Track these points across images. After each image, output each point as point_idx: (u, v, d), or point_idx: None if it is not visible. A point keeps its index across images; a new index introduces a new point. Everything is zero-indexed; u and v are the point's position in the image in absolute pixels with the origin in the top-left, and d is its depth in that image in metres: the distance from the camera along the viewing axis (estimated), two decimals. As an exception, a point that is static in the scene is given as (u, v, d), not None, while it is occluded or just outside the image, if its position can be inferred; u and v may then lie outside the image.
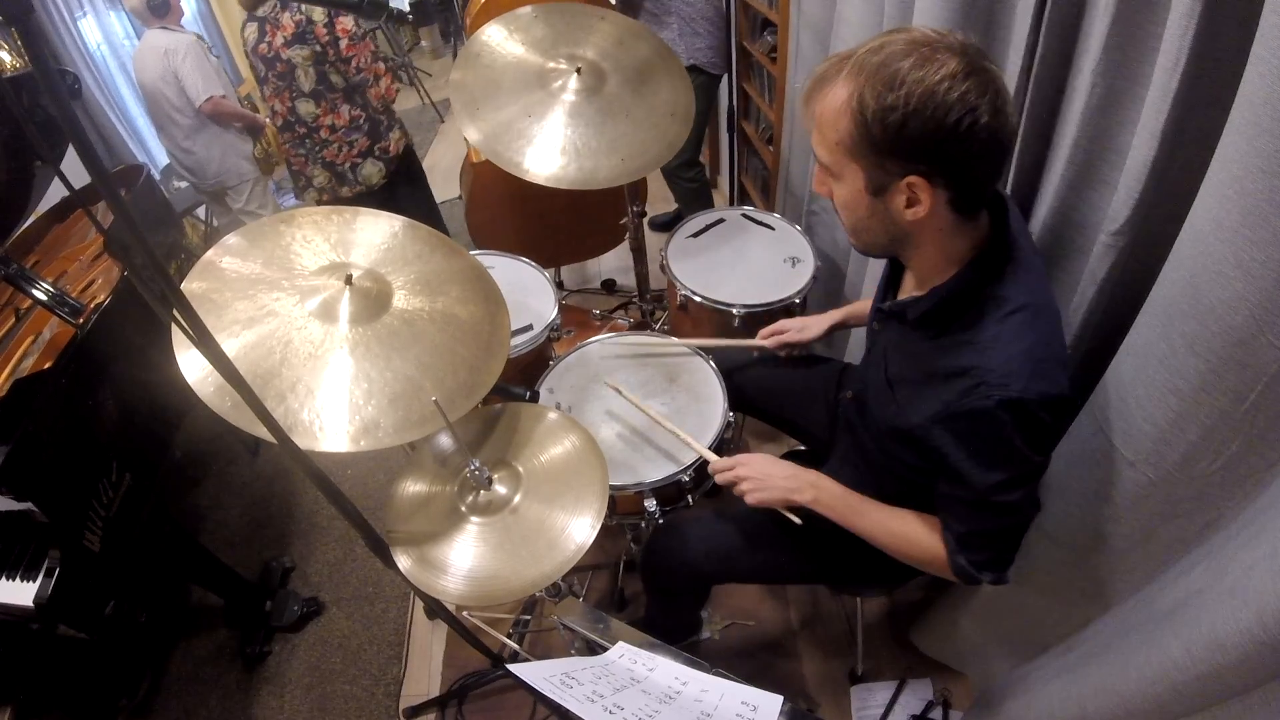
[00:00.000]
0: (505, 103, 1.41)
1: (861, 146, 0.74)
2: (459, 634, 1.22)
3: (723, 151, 2.80)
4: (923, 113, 0.69)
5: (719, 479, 1.09)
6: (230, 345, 0.89)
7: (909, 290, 0.95)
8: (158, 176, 3.15)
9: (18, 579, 1.23)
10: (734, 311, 1.55)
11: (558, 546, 0.96)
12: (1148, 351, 0.78)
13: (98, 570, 1.29)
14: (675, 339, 1.46)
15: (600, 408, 1.35)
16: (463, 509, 1.02)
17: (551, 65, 1.44)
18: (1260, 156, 0.58)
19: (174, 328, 0.62)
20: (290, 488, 2.19)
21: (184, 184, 3.09)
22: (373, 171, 2.25)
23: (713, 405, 1.32)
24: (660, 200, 3.05)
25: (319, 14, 1.97)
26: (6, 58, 1.45)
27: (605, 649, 0.81)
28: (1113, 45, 0.82)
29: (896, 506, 1.00)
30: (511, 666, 0.95)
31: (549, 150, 1.38)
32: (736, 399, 1.34)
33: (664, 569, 1.25)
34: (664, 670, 0.74)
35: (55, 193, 1.72)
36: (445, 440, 1.11)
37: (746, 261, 1.71)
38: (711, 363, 1.39)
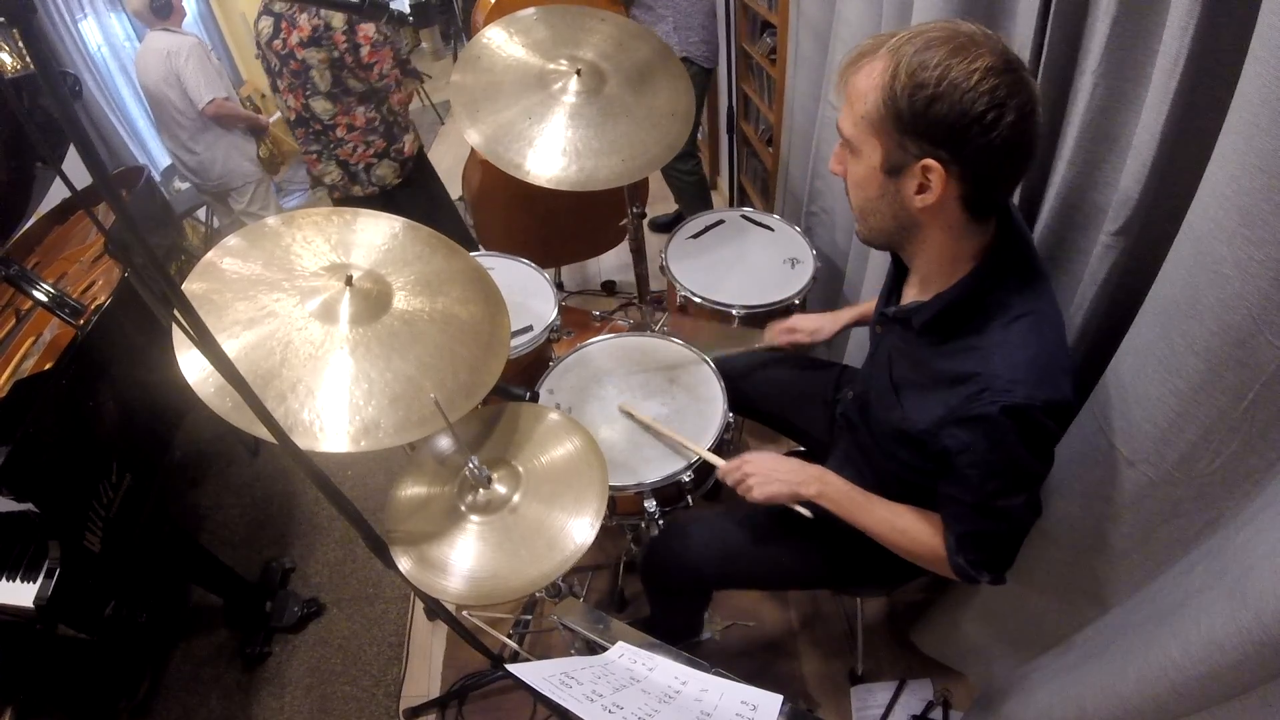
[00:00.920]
0: (506, 105, 1.41)
1: (885, 122, 0.74)
2: (459, 634, 1.22)
3: (722, 152, 2.80)
4: (950, 96, 0.69)
5: (727, 480, 1.10)
6: (230, 346, 0.89)
7: (912, 294, 0.95)
8: (158, 178, 3.16)
9: (18, 579, 1.23)
10: (734, 312, 1.55)
11: (557, 546, 0.96)
12: (1147, 351, 0.78)
13: (98, 571, 1.29)
14: (683, 345, 1.45)
15: (600, 408, 1.35)
16: (462, 509, 1.02)
17: (552, 67, 1.45)
18: (1258, 156, 0.58)
19: (174, 328, 0.62)
20: (290, 488, 2.19)
21: (185, 185, 3.09)
22: (388, 172, 2.24)
23: (713, 406, 1.32)
24: (660, 201, 3.05)
25: (338, 21, 1.93)
26: (8, 59, 1.45)
27: (605, 649, 0.81)
28: (1113, 46, 0.82)
29: (899, 503, 1.00)
30: (511, 666, 0.95)
31: (550, 152, 1.38)
32: (736, 400, 1.34)
33: (666, 571, 1.25)
34: (664, 670, 0.74)
35: (56, 194, 1.73)
36: (445, 440, 1.11)
37: (746, 262, 1.71)
38: (711, 363, 1.39)
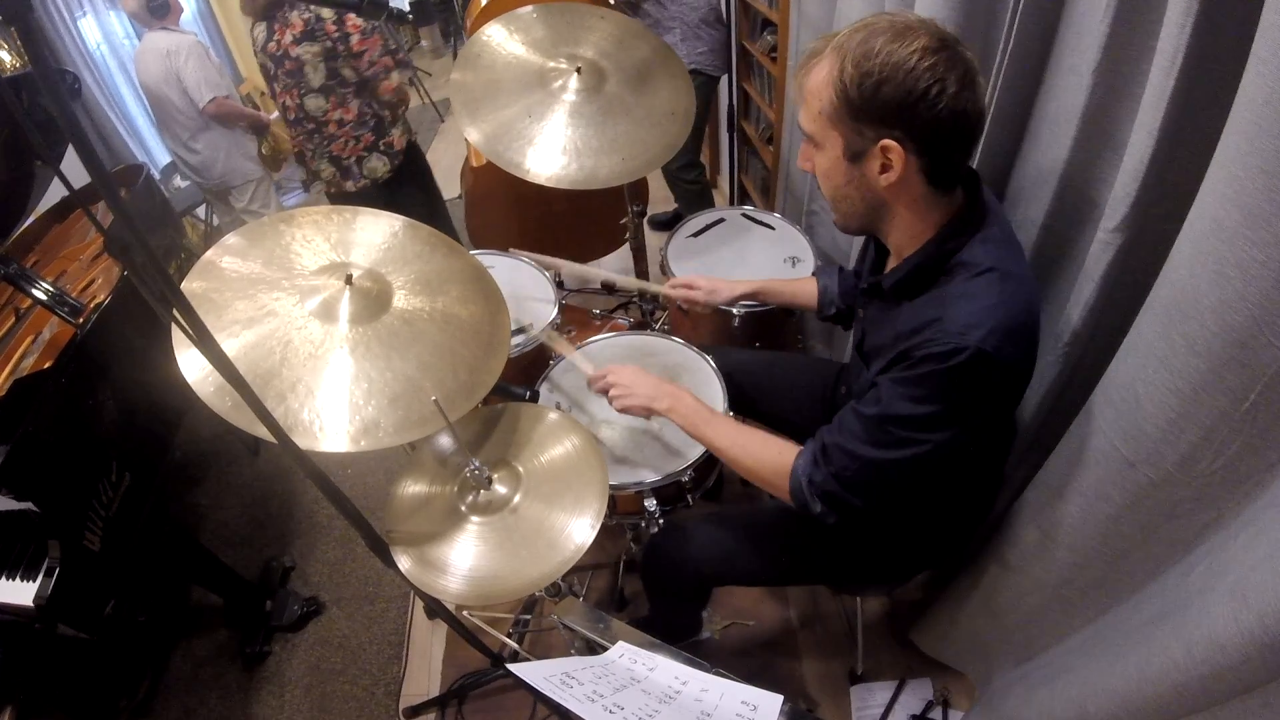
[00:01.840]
0: (506, 103, 1.41)
1: (841, 113, 0.79)
2: (459, 634, 1.22)
3: (723, 151, 2.80)
4: (894, 79, 0.74)
5: (594, 387, 1.17)
6: (230, 345, 0.89)
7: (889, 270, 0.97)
8: (157, 176, 3.15)
9: (18, 579, 1.23)
10: (734, 311, 1.55)
11: (558, 546, 0.96)
12: (1148, 351, 0.78)
13: (98, 570, 1.29)
14: (683, 344, 1.45)
15: (600, 408, 1.35)
16: (463, 509, 1.02)
17: (552, 65, 1.44)
18: (1260, 156, 0.58)
19: (174, 327, 0.62)
20: (290, 488, 2.19)
21: (185, 183, 3.09)
22: (378, 165, 2.26)
23: (712, 405, 1.32)
24: (661, 201, 3.05)
25: (328, 11, 1.97)
26: (6, 57, 1.45)
27: (605, 649, 0.81)
28: (1111, 44, 0.82)
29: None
30: (511, 666, 0.95)
31: (550, 150, 1.38)
32: (736, 399, 1.34)
33: (665, 570, 1.25)
34: (664, 670, 0.74)
35: (55, 193, 1.73)
36: (445, 440, 1.11)
37: (746, 261, 1.71)
38: (712, 363, 1.39)
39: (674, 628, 1.45)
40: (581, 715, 0.63)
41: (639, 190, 1.95)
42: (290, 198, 3.88)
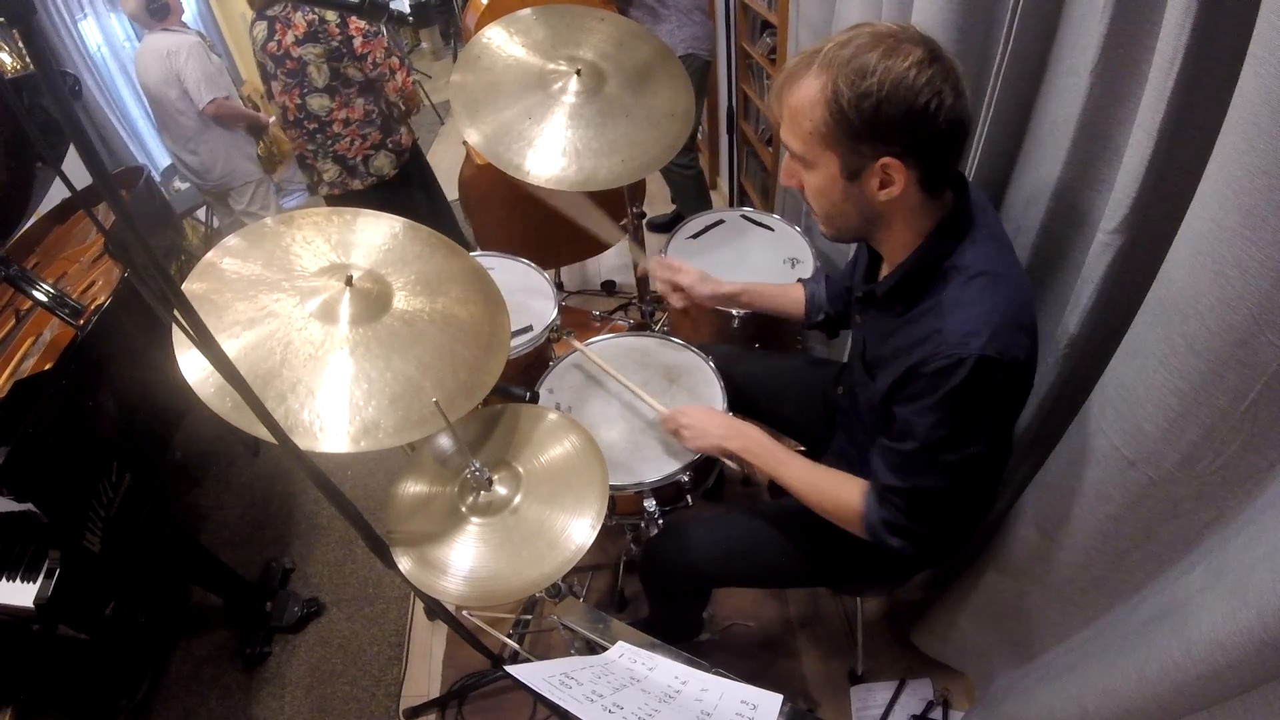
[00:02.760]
0: (506, 105, 1.41)
1: (836, 133, 0.78)
2: (459, 634, 1.22)
3: (722, 153, 2.80)
4: (894, 97, 0.74)
5: (665, 427, 1.18)
6: (230, 346, 0.89)
7: (883, 276, 0.97)
8: (158, 178, 3.16)
9: (18, 579, 1.23)
10: (734, 312, 1.55)
11: (558, 547, 0.96)
12: (1147, 351, 0.78)
13: (98, 571, 1.29)
14: (683, 345, 1.45)
15: (600, 408, 1.35)
16: (463, 510, 1.02)
17: (552, 67, 1.45)
18: (1259, 156, 0.58)
19: (174, 328, 0.62)
20: (290, 488, 2.19)
21: (185, 185, 3.09)
22: (385, 163, 2.26)
23: (711, 405, 1.32)
24: (660, 201, 3.05)
25: (332, 14, 1.97)
26: (7, 59, 1.45)
27: (605, 649, 0.81)
28: (1110, 45, 0.83)
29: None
30: (511, 667, 0.95)
31: (550, 152, 1.38)
32: (736, 399, 1.34)
33: (665, 571, 1.25)
34: (664, 669, 0.74)
35: (56, 194, 1.73)
36: (445, 441, 1.11)
37: (746, 262, 1.71)
38: (711, 363, 1.39)
39: (674, 628, 1.45)
40: (581, 716, 0.63)
41: (637, 190, 1.95)
42: (290, 200, 3.88)
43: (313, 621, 1.82)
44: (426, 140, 4.55)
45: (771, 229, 1.80)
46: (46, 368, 1.34)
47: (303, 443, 0.83)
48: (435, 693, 1.63)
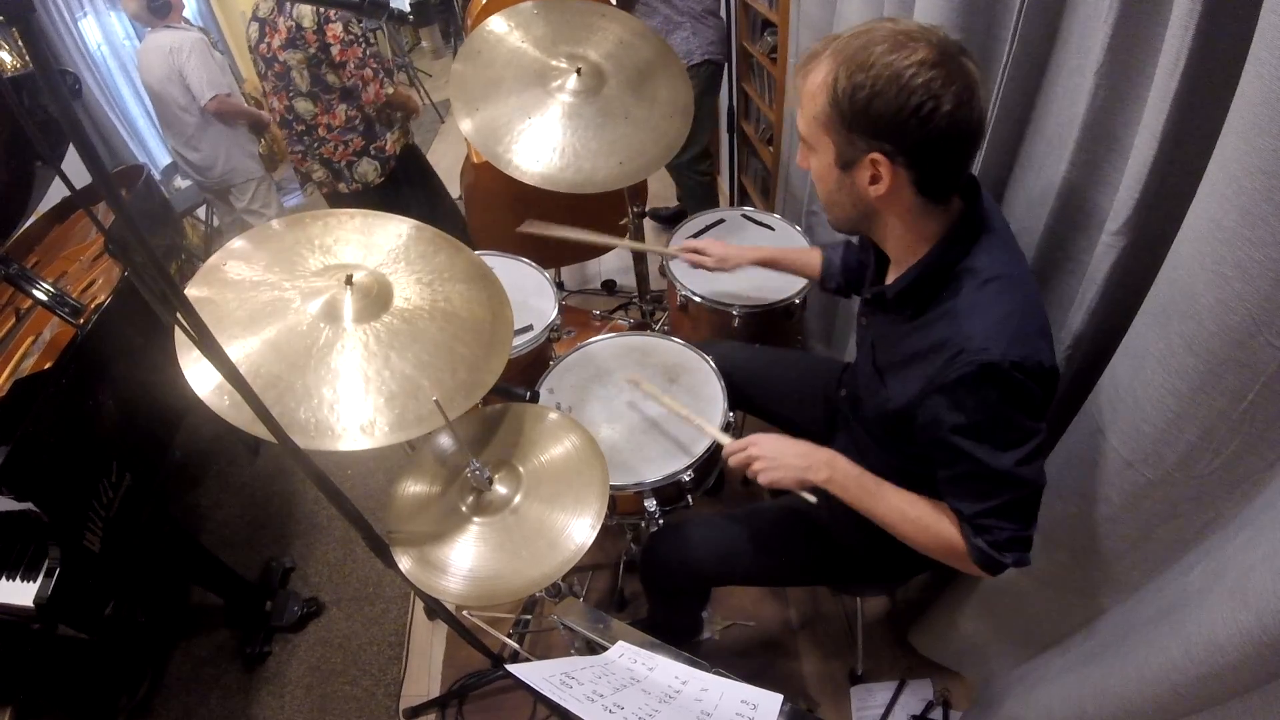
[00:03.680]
0: (504, 100, 1.41)
1: (833, 120, 0.79)
2: (459, 634, 1.22)
3: (723, 152, 2.80)
4: (886, 93, 0.73)
5: (732, 462, 1.06)
6: (232, 346, 0.89)
7: (891, 279, 0.96)
8: (158, 176, 3.16)
9: (18, 579, 1.23)
10: (734, 311, 1.55)
11: (558, 546, 0.96)
12: (1146, 352, 0.78)
13: (98, 570, 1.29)
14: (683, 344, 1.45)
15: (600, 408, 1.35)
16: (463, 509, 1.02)
17: (552, 64, 1.44)
18: (1259, 156, 0.58)
19: (175, 328, 0.62)
20: (290, 488, 2.19)
21: (186, 183, 3.09)
22: (369, 170, 2.26)
23: (713, 405, 1.32)
24: (660, 201, 3.05)
25: (308, 20, 1.97)
26: (7, 58, 1.45)
27: (605, 649, 0.81)
28: (1115, 45, 0.83)
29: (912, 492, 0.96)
30: (511, 666, 0.95)
31: (546, 151, 1.38)
32: (736, 397, 1.34)
33: (665, 570, 1.25)
34: (664, 669, 0.74)
35: (55, 193, 1.73)
36: (446, 440, 1.11)
37: (746, 262, 1.71)
38: (711, 363, 1.39)
39: (674, 628, 1.45)
40: (581, 715, 0.63)
41: (638, 190, 1.95)
42: (291, 198, 3.88)
43: (313, 621, 1.82)
44: (426, 140, 4.54)
45: (772, 228, 1.80)
46: (46, 367, 1.34)
47: (300, 441, 0.83)
48: (435, 692, 1.64)
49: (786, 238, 1.76)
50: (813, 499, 1.00)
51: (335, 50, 2.02)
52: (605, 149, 1.39)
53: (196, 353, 0.65)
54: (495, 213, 2.27)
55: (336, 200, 2.32)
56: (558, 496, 1.02)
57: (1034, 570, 1.09)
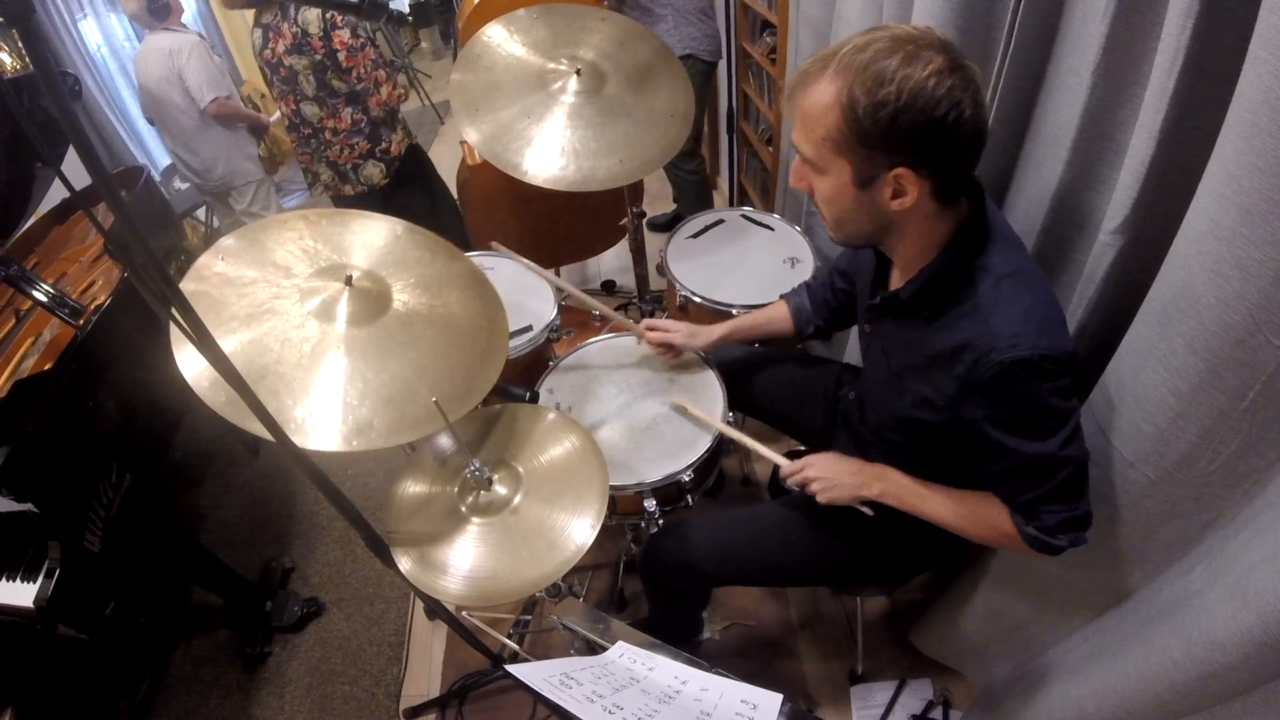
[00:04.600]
0: (505, 104, 1.41)
1: (850, 141, 0.76)
2: (459, 634, 1.22)
3: (722, 152, 2.80)
4: (913, 107, 0.71)
5: (790, 482, 1.10)
6: (226, 342, 0.89)
7: (897, 283, 0.96)
8: (158, 178, 3.15)
9: (18, 579, 1.23)
10: (733, 312, 1.55)
11: (558, 547, 0.96)
12: (1146, 351, 0.78)
13: (98, 571, 1.29)
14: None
15: (600, 408, 1.35)
16: (463, 509, 1.02)
17: (552, 66, 1.44)
18: (1258, 156, 0.58)
19: (173, 327, 0.62)
20: (290, 488, 2.19)
21: (185, 185, 3.09)
22: (374, 172, 2.27)
23: (712, 406, 1.32)
24: (660, 201, 3.05)
25: (314, 27, 1.97)
26: (7, 59, 1.45)
27: (605, 649, 0.81)
28: (1112, 45, 0.83)
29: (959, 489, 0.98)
30: (511, 667, 0.95)
31: (548, 152, 1.38)
32: (736, 399, 1.34)
33: (664, 570, 1.25)
34: (663, 669, 0.74)
35: (55, 194, 1.73)
36: (445, 441, 1.11)
37: (746, 262, 1.71)
38: (711, 363, 1.39)
39: (674, 628, 1.45)
40: (581, 716, 0.63)
41: (637, 190, 1.95)
42: (291, 199, 3.88)
43: (313, 621, 1.82)
44: (425, 141, 4.54)
45: (771, 229, 1.80)
46: (46, 368, 1.34)
47: (294, 439, 0.83)
48: (435, 693, 1.64)
49: (786, 237, 1.77)
50: (869, 512, 1.03)
51: (342, 56, 2.02)
52: (606, 148, 1.40)
53: (195, 351, 0.65)
54: (494, 211, 2.28)
55: (341, 202, 2.33)
56: (557, 496, 1.02)
57: (1035, 569, 1.10)
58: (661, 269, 1.72)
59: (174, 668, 1.75)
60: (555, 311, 1.56)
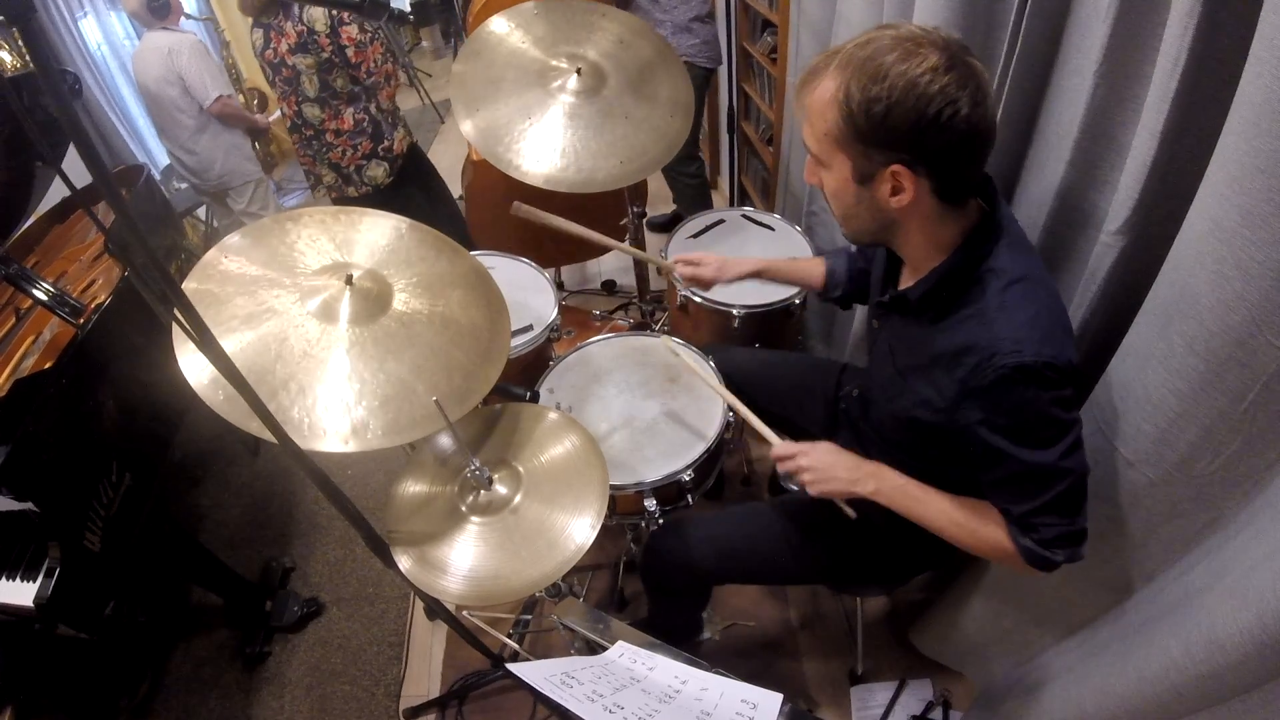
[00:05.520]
0: (504, 101, 1.41)
1: (848, 137, 0.77)
2: (459, 634, 1.22)
3: (723, 152, 2.80)
4: (904, 104, 0.71)
5: (780, 467, 1.07)
6: (226, 341, 0.89)
7: (907, 282, 0.96)
8: (158, 177, 3.15)
9: (18, 579, 1.23)
10: (734, 312, 1.55)
11: (558, 546, 0.96)
12: (1147, 351, 0.78)
13: (98, 570, 1.29)
14: (683, 344, 1.45)
15: (600, 408, 1.35)
16: (463, 509, 1.02)
17: (553, 64, 1.44)
18: (1259, 157, 0.58)
19: (174, 327, 0.62)
20: (290, 488, 2.19)
21: (184, 185, 3.09)
22: (378, 172, 2.26)
23: (712, 404, 1.32)
24: (660, 201, 3.05)
25: (321, 25, 1.96)
26: (7, 58, 1.45)
27: (605, 649, 0.81)
28: (1114, 46, 0.83)
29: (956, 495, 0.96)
30: (511, 666, 0.95)
31: (547, 151, 1.38)
32: (735, 397, 1.34)
33: (664, 569, 1.25)
34: (664, 669, 0.74)
35: (55, 193, 1.73)
36: (445, 440, 1.11)
37: (746, 262, 1.71)
38: (711, 363, 1.39)
39: (674, 628, 1.46)
40: (581, 715, 0.63)
41: (638, 190, 1.95)
42: (290, 199, 3.88)
43: (313, 621, 1.82)
44: (426, 140, 4.54)
45: (772, 229, 1.80)
46: (46, 367, 1.34)
47: (293, 439, 0.83)
48: (435, 692, 1.64)
49: (786, 238, 1.76)
50: (852, 513, 1.03)
51: (350, 52, 2.01)
52: (605, 149, 1.40)
53: (194, 351, 0.65)
54: (495, 211, 2.27)
55: (344, 204, 2.31)
56: (557, 496, 1.02)
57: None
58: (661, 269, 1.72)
59: (174, 667, 1.75)
60: (555, 311, 1.56)
